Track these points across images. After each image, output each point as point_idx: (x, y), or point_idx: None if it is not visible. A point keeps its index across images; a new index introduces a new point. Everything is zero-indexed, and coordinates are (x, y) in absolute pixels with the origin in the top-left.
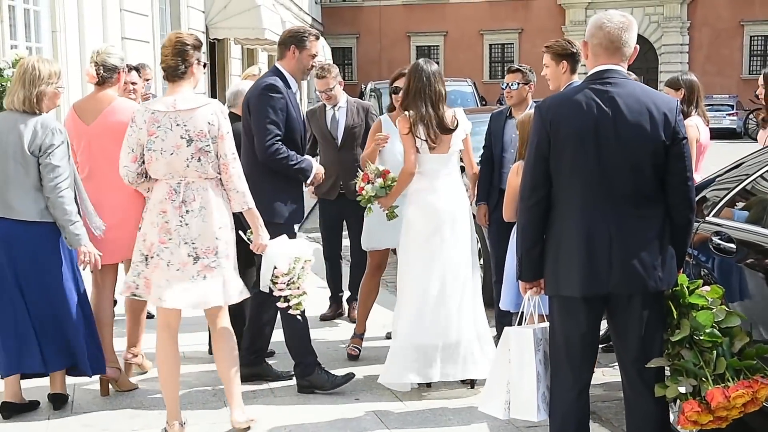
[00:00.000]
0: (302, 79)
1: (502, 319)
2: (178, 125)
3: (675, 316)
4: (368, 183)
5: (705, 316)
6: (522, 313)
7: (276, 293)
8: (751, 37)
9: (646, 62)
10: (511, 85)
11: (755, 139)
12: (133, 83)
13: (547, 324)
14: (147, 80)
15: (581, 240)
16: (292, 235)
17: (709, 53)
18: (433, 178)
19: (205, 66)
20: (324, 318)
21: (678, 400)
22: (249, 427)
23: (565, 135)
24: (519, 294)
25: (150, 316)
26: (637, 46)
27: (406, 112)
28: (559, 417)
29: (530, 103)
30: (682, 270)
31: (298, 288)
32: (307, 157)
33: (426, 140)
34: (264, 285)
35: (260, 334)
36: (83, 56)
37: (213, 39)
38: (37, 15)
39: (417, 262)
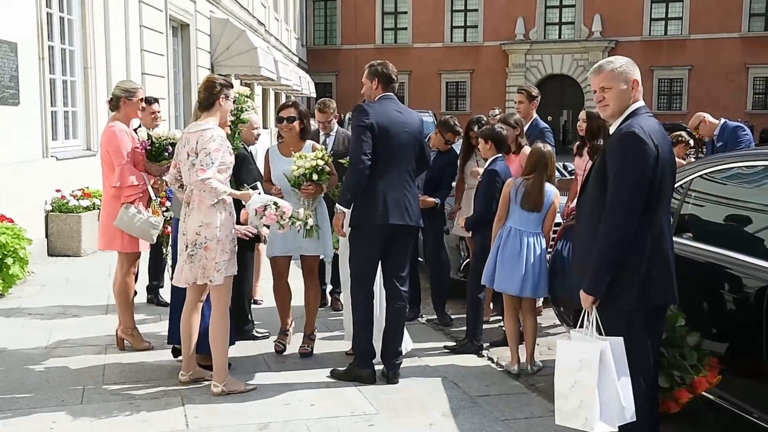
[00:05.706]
0: None
1: (476, 293)
2: (187, 143)
3: None
4: None
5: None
6: (582, 322)
7: (269, 222)
8: (659, 79)
9: (574, 99)
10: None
11: None
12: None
13: (606, 340)
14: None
15: (671, 256)
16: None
17: None
18: None
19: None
20: None
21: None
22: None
23: (663, 161)
24: (493, 272)
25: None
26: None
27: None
28: (648, 413)
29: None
30: None
31: (283, 214)
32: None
33: None
34: (251, 224)
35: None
36: (109, 88)
37: (218, 75)
38: (71, 54)
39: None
